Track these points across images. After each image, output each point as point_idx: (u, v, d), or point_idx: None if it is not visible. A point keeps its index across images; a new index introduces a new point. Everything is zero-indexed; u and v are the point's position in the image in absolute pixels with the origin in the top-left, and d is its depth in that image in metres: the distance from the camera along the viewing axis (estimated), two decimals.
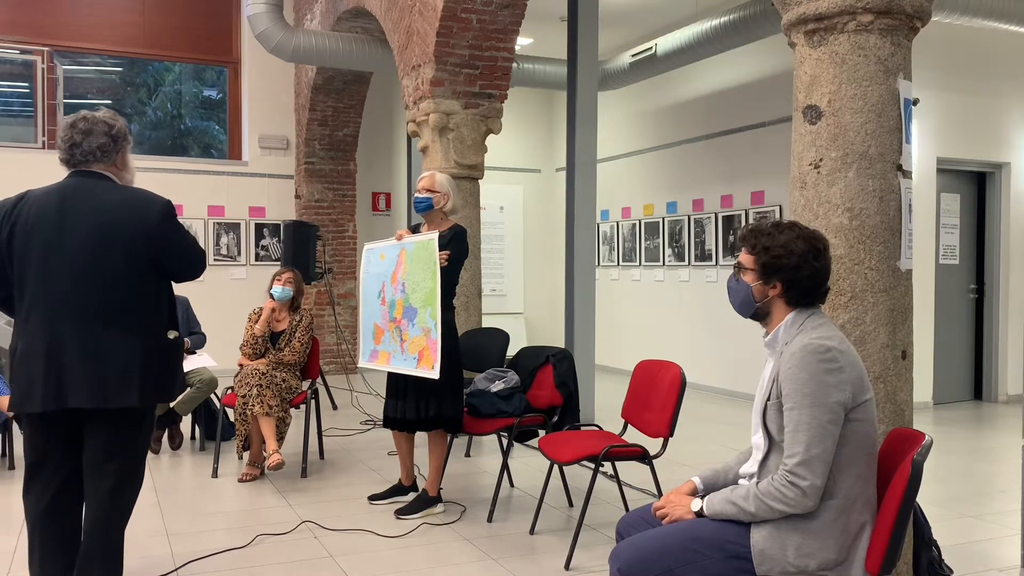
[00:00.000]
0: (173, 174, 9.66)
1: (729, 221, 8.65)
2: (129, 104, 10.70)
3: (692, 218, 9.17)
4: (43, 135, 9.22)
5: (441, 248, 4.21)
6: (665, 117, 9.72)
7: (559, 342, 6.62)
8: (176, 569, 3.65)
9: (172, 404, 5.83)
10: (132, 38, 9.95)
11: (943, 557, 2.60)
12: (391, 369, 4.44)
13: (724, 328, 8.55)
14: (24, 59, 9.29)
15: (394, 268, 4.47)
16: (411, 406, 4.35)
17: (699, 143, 9.14)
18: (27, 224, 2.82)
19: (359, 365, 4.84)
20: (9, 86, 9.64)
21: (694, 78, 9.14)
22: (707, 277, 8.94)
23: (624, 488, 4.38)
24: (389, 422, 4.51)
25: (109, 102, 10.52)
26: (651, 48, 8.54)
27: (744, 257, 2.42)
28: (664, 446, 3.79)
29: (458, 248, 4.37)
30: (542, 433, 4.54)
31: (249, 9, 8.04)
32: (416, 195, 4.55)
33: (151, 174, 9.52)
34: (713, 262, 8.88)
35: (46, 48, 9.32)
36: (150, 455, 5.80)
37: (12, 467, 5.37)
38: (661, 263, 9.70)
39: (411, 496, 4.59)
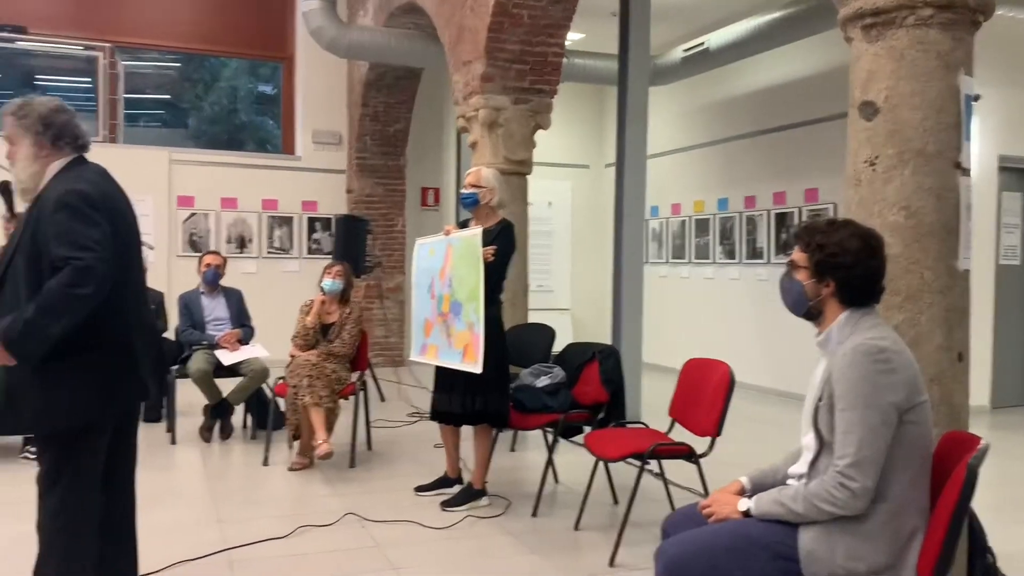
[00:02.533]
0: (229, 168, 9.85)
1: (782, 218, 8.52)
2: (187, 99, 10.94)
3: (744, 215, 9.06)
4: (104, 129, 9.48)
5: (487, 243, 4.23)
6: (717, 113, 9.61)
7: (606, 339, 6.60)
8: (223, 550, 3.72)
9: (226, 395, 5.96)
10: (190, 34, 10.16)
11: (998, 564, 2.54)
12: (439, 363, 4.48)
13: (774, 327, 8.43)
14: (87, 55, 9.55)
15: (442, 263, 4.50)
16: (457, 400, 4.38)
17: (752, 139, 9.02)
18: (123, 215, 2.74)
19: (410, 358, 4.89)
20: (73, 81, 9.92)
21: (747, 73, 9.02)
22: (758, 275, 8.83)
23: (670, 486, 4.35)
24: (436, 415, 4.55)
25: (168, 96, 10.77)
26: (704, 43, 8.45)
27: (797, 255, 2.39)
28: (711, 445, 3.76)
29: (505, 243, 4.37)
30: (587, 429, 4.54)
31: (304, 5, 8.15)
32: (462, 191, 4.58)
33: (207, 168, 9.74)
34: (765, 260, 8.76)
35: (108, 44, 9.56)
36: (202, 443, 5.93)
37: None
38: (711, 260, 9.60)
39: (457, 489, 4.62)
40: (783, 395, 8.32)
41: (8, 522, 4.02)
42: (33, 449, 3.07)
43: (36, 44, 9.50)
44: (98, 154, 2.90)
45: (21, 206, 2.88)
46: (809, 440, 2.32)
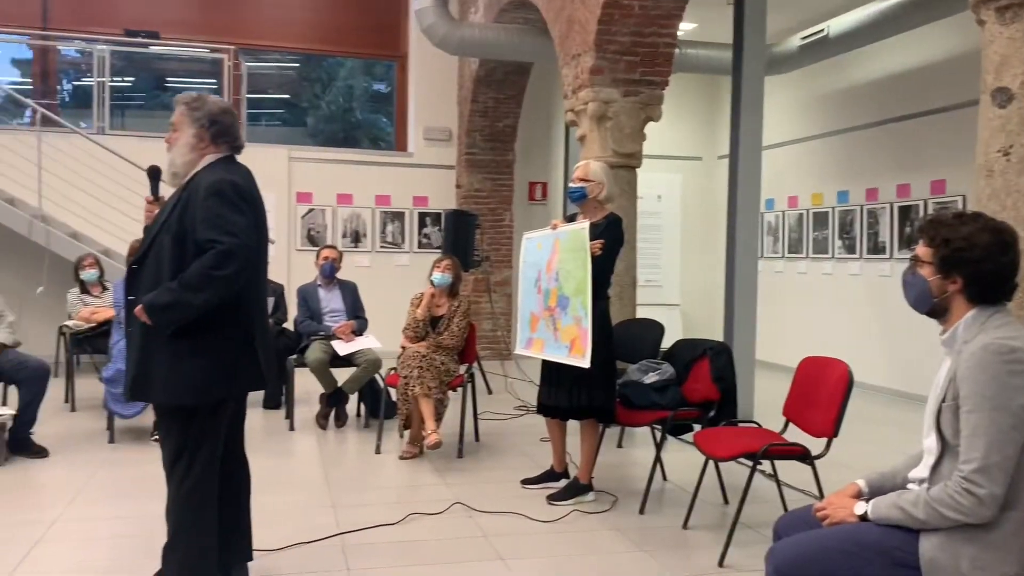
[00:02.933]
0: (344, 165, 10.17)
1: (906, 212, 8.14)
2: (305, 98, 11.33)
3: (865, 208, 8.70)
4: None
5: (595, 237, 4.20)
6: (837, 102, 9.25)
7: (717, 335, 6.45)
8: (336, 535, 3.84)
9: (341, 384, 6.16)
10: (308, 35, 10.53)
11: None
12: (545, 356, 4.48)
13: (896, 325, 8.07)
14: (213, 58, 10.02)
15: (549, 257, 4.51)
16: (564, 394, 4.38)
17: (874, 129, 8.64)
18: (261, 212, 2.95)
19: (515, 352, 4.92)
20: (200, 83, 10.43)
21: (868, 60, 8.65)
22: (880, 271, 8.47)
23: (783, 488, 4.23)
24: (542, 409, 4.56)
25: (288, 96, 11.18)
26: (823, 30, 8.15)
27: (922, 250, 2.29)
28: (828, 446, 3.63)
29: (612, 237, 4.34)
30: (697, 427, 4.46)
31: (416, 3, 8.31)
32: (570, 185, 4.57)
33: (324, 165, 10.08)
34: (887, 255, 8.39)
35: (232, 47, 10.00)
36: (318, 430, 6.15)
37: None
38: (830, 255, 9.26)
39: (563, 483, 4.63)
40: (904, 396, 7.96)
41: (134, 502, 4.28)
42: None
43: (167, 48, 10.04)
44: None
45: (164, 192, 3.08)
46: (931, 443, 2.21)
